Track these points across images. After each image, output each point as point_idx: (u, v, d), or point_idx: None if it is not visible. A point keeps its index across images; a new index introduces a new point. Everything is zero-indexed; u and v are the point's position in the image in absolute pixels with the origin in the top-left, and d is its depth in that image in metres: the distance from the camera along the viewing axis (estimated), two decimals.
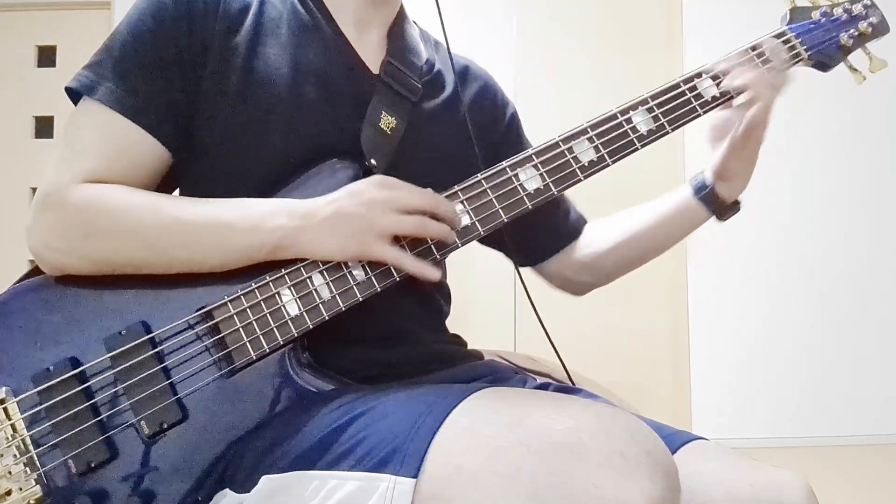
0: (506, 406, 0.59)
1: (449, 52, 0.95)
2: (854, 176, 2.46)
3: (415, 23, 0.97)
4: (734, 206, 0.95)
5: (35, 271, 0.77)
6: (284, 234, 0.72)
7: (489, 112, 0.98)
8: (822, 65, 0.94)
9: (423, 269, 0.74)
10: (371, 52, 0.87)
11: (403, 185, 0.75)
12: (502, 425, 0.56)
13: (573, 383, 0.93)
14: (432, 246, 0.76)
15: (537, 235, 0.99)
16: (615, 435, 0.54)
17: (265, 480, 0.64)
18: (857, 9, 0.93)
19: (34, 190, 0.78)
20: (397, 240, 0.75)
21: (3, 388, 0.68)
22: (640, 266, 1.04)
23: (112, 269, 0.74)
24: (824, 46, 0.91)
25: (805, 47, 0.90)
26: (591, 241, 1.02)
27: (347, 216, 0.72)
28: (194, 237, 0.73)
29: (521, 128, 1.04)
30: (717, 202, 0.93)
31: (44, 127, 2.69)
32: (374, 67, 0.87)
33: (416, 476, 0.55)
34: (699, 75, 0.85)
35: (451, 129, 0.91)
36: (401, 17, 0.93)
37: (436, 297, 0.93)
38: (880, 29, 0.93)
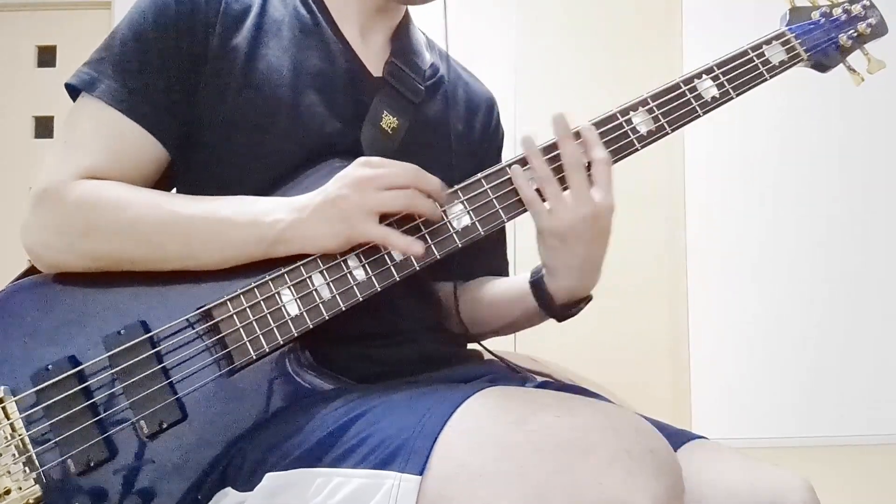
0: (511, 404, 0.59)
1: (448, 58, 0.95)
2: (854, 178, 2.46)
3: (421, 30, 0.97)
4: (573, 307, 0.83)
5: (32, 270, 0.77)
6: (282, 228, 0.72)
7: (482, 129, 0.98)
8: (821, 66, 0.93)
9: (409, 245, 0.73)
10: (374, 56, 0.87)
11: (388, 163, 0.74)
12: (508, 423, 0.56)
13: (517, 371, 0.89)
14: (433, 246, 0.76)
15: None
16: (621, 433, 0.54)
17: (269, 478, 0.64)
18: (857, 9, 0.92)
19: None
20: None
21: (2, 388, 0.68)
22: (499, 335, 0.93)
23: (109, 265, 0.73)
24: (824, 47, 0.91)
25: (804, 48, 0.89)
26: (470, 290, 0.94)
27: (335, 200, 0.72)
28: (192, 232, 0.72)
29: (501, 154, 1.03)
30: (545, 295, 0.82)
31: (44, 127, 2.69)
32: (376, 71, 0.87)
33: (421, 473, 0.55)
34: (699, 76, 0.85)
35: (450, 135, 0.91)
36: (405, 22, 0.93)
37: (435, 296, 0.93)
38: (879, 30, 0.93)
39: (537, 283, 0.83)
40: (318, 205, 0.72)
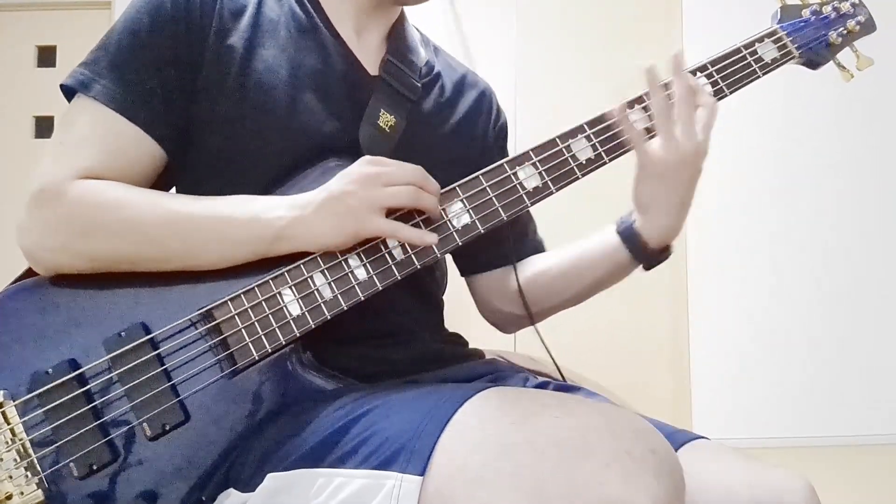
0: (511, 405, 0.59)
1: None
2: (855, 178, 2.46)
3: (415, 27, 0.97)
4: (661, 254, 0.86)
5: (30, 271, 0.76)
6: (283, 224, 0.72)
7: (483, 119, 0.98)
8: (812, 63, 0.94)
9: (423, 237, 0.74)
10: (370, 55, 0.88)
11: (391, 162, 0.75)
12: (508, 424, 0.56)
13: (564, 379, 0.92)
14: (434, 245, 0.76)
15: (482, 244, 0.82)
16: (621, 434, 0.54)
17: (270, 478, 0.64)
18: (846, 7, 0.94)
19: None
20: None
21: (1, 392, 0.68)
22: (566, 307, 0.95)
23: (108, 266, 0.73)
24: (814, 45, 0.92)
25: (796, 45, 0.90)
26: (526, 269, 0.96)
27: (340, 196, 0.72)
28: (192, 230, 0.72)
29: (506, 140, 1.03)
30: (638, 242, 0.85)
31: (44, 127, 2.69)
32: (373, 70, 0.87)
33: (422, 474, 0.55)
34: (694, 73, 0.86)
35: (448, 131, 0.92)
36: (401, 20, 0.93)
37: (435, 295, 0.93)
38: (867, 27, 0.94)
39: (628, 232, 0.85)
40: (322, 201, 0.72)
